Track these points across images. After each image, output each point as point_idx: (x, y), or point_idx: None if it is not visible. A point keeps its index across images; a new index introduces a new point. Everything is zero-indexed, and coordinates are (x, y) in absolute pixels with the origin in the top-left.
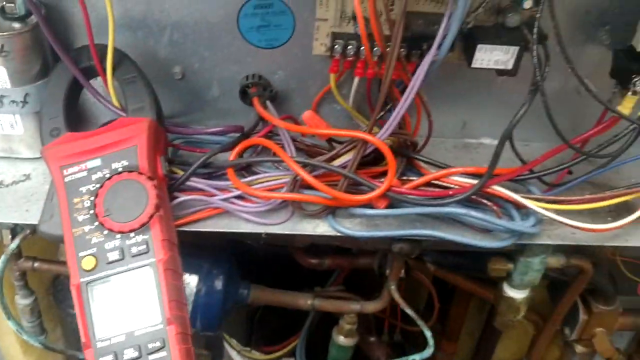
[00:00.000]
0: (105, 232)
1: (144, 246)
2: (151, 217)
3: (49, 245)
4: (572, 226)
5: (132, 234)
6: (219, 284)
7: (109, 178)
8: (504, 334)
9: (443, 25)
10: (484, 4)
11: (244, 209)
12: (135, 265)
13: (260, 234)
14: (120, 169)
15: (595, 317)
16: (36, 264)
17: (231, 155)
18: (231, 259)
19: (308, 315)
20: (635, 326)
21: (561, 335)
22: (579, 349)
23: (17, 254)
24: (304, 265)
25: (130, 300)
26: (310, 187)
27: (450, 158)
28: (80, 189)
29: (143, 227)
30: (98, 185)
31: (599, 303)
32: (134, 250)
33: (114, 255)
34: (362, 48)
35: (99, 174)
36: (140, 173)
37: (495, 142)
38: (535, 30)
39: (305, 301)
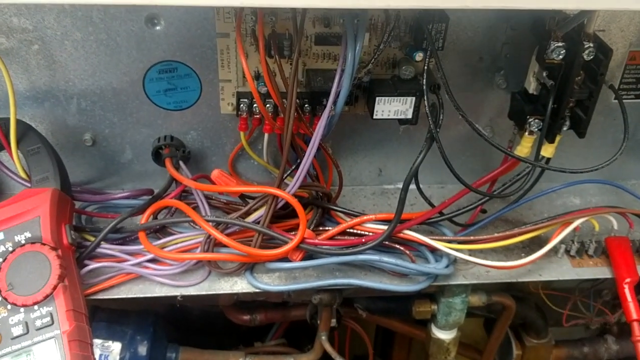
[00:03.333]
0: (9, 306)
1: (48, 318)
2: (54, 288)
3: None
4: (482, 265)
5: (35, 307)
6: (143, 350)
7: (12, 251)
8: None
9: (336, 81)
10: (372, 60)
11: (157, 273)
12: (39, 338)
13: (175, 296)
14: (23, 242)
15: (529, 351)
16: None
17: (142, 219)
18: (157, 322)
19: None
20: (571, 357)
21: None
22: None
23: None
24: (237, 323)
25: None
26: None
27: (370, 205)
28: None
29: (47, 299)
30: (1, 260)
31: (531, 337)
32: (38, 323)
33: (18, 330)
34: (267, 106)
35: (2, 248)
36: (44, 244)
37: (412, 186)
38: (424, 81)
39: None
